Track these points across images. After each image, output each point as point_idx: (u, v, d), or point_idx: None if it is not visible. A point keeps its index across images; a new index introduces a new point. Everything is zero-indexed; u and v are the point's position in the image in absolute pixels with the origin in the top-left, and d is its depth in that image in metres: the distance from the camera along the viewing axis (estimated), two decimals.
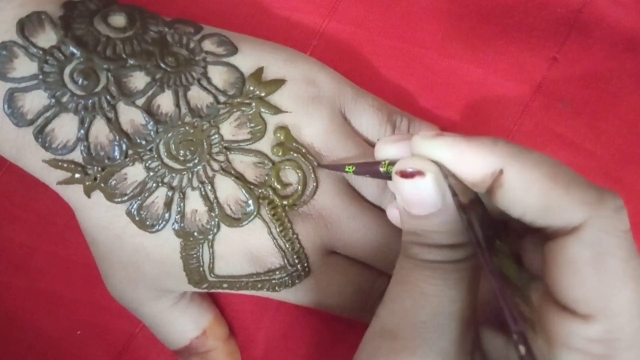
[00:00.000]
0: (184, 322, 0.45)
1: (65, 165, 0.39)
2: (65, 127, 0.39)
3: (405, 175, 0.32)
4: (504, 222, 0.33)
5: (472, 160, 0.30)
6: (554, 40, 0.48)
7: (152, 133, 0.39)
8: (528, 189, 0.29)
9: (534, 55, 0.48)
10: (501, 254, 0.33)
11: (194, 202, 0.40)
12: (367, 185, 0.43)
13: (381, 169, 0.36)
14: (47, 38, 0.38)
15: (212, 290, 0.43)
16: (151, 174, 0.39)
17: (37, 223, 0.49)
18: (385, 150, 0.36)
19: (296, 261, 0.41)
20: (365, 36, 0.49)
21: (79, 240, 0.45)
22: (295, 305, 0.46)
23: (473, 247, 0.32)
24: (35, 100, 0.38)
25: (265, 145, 0.41)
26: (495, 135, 0.46)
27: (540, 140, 0.47)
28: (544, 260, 0.30)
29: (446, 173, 0.31)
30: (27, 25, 0.38)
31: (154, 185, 0.40)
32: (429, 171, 0.31)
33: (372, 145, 0.44)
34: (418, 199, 0.32)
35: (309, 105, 0.42)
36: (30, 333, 0.49)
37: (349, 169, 0.38)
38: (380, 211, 0.43)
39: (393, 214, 0.39)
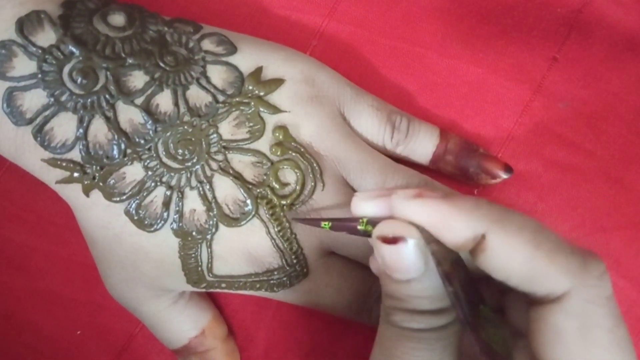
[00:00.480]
0: (182, 322, 0.45)
1: (64, 164, 0.39)
2: (64, 126, 0.39)
3: (386, 240, 0.32)
4: (486, 277, 0.32)
5: (455, 225, 0.30)
6: (554, 40, 0.48)
7: (150, 132, 0.39)
8: (511, 256, 0.29)
9: (534, 55, 0.48)
10: (485, 322, 0.32)
11: (193, 202, 0.40)
12: (365, 185, 0.42)
13: (359, 227, 0.35)
14: (46, 37, 0.39)
15: (211, 290, 0.43)
16: (150, 173, 0.39)
17: (36, 223, 0.49)
18: (362, 207, 0.35)
19: (294, 261, 0.41)
20: (365, 36, 0.49)
21: (78, 240, 0.45)
22: (295, 305, 0.46)
23: (456, 311, 0.32)
24: (34, 99, 0.38)
25: (263, 144, 0.41)
26: (494, 135, 0.47)
27: (540, 141, 0.47)
28: (529, 325, 0.30)
29: (429, 238, 0.31)
30: (26, 24, 0.38)
31: (153, 184, 0.40)
32: (411, 236, 0.31)
33: (371, 145, 0.44)
34: (400, 265, 0.32)
35: (308, 104, 0.42)
36: (30, 333, 0.49)
37: (325, 224, 0.38)
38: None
39: (375, 267, 0.38)
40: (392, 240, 0.31)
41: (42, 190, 0.47)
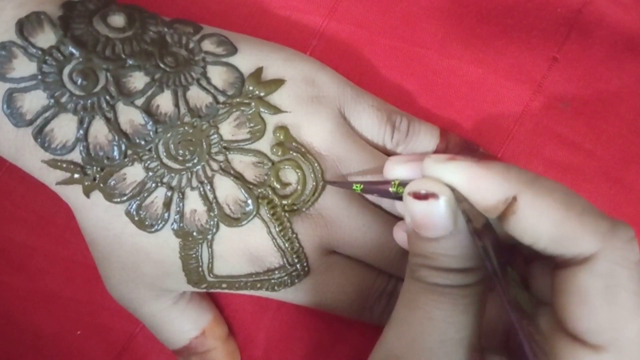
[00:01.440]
0: (183, 322, 0.45)
1: (64, 165, 0.39)
2: (65, 128, 0.39)
3: (418, 196, 0.32)
4: (512, 246, 0.33)
5: (486, 187, 0.30)
6: (554, 40, 0.48)
7: (151, 133, 0.39)
8: (542, 217, 0.29)
9: (534, 55, 0.48)
10: (513, 282, 0.32)
11: (193, 202, 0.40)
12: None
13: (391, 189, 0.36)
14: (46, 38, 0.38)
15: (212, 290, 0.43)
16: (150, 174, 0.39)
17: (37, 223, 0.49)
18: (395, 170, 0.36)
19: (295, 261, 0.41)
20: (365, 36, 0.49)
21: (79, 240, 0.45)
22: (296, 305, 0.46)
23: (482, 271, 0.32)
24: (34, 101, 0.38)
25: (264, 145, 0.41)
26: (495, 135, 0.47)
27: (540, 140, 0.47)
28: (554, 288, 0.30)
29: (460, 197, 0.31)
30: (26, 25, 0.38)
31: (153, 185, 0.40)
32: (443, 194, 0.31)
33: (372, 145, 0.44)
34: (430, 222, 0.32)
35: (308, 105, 0.42)
36: (30, 333, 0.49)
37: (357, 187, 0.38)
38: (380, 210, 0.43)
39: (400, 236, 0.39)
40: (424, 197, 0.32)
41: (43, 190, 0.46)
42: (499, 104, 0.48)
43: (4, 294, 0.49)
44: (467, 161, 0.31)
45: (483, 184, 0.30)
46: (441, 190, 0.31)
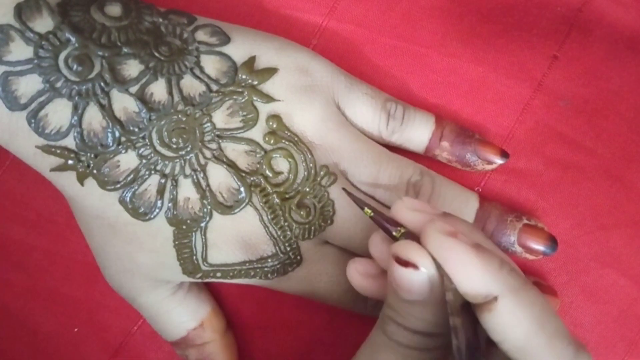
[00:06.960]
0: (181, 313, 0.45)
1: (58, 151, 0.39)
2: (59, 113, 0.39)
3: (400, 262, 0.33)
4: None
5: (474, 278, 0.31)
6: (555, 39, 0.48)
7: (145, 121, 0.39)
8: (515, 326, 0.30)
9: (535, 53, 0.48)
10: None
11: (187, 190, 0.40)
12: (359, 174, 0.42)
13: (394, 233, 0.36)
14: (44, 23, 0.39)
15: (207, 280, 0.43)
16: (144, 161, 0.40)
17: (36, 221, 0.49)
18: (404, 214, 0.36)
19: (288, 249, 0.41)
20: (365, 35, 0.49)
21: (78, 238, 0.45)
22: (295, 303, 0.46)
23: (446, 337, 0.33)
24: (29, 85, 0.38)
25: (257, 133, 0.41)
26: (495, 133, 0.46)
27: (540, 139, 0.47)
28: None
29: (448, 286, 0.32)
30: (24, 10, 0.39)
31: (147, 172, 0.40)
32: (424, 266, 0.32)
33: (367, 134, 0.44)
34: (406, 286, 0.33)
35: (301, 94, 0.42)
36: (28, 330, 0.49)
37: (368, 212, 0.38)
38: (372, 201, 0.43)
39: (353, 275, 0.39)
40: (405, 263, 0.32)
41: (43, 189, 0.47)
42: (500, 102, 0.48)
43: (2, 291, 0.49)
44: (466, 246, 0.31)
45: (472, 274, 0.31)
46: (423, 263, 0.32)
